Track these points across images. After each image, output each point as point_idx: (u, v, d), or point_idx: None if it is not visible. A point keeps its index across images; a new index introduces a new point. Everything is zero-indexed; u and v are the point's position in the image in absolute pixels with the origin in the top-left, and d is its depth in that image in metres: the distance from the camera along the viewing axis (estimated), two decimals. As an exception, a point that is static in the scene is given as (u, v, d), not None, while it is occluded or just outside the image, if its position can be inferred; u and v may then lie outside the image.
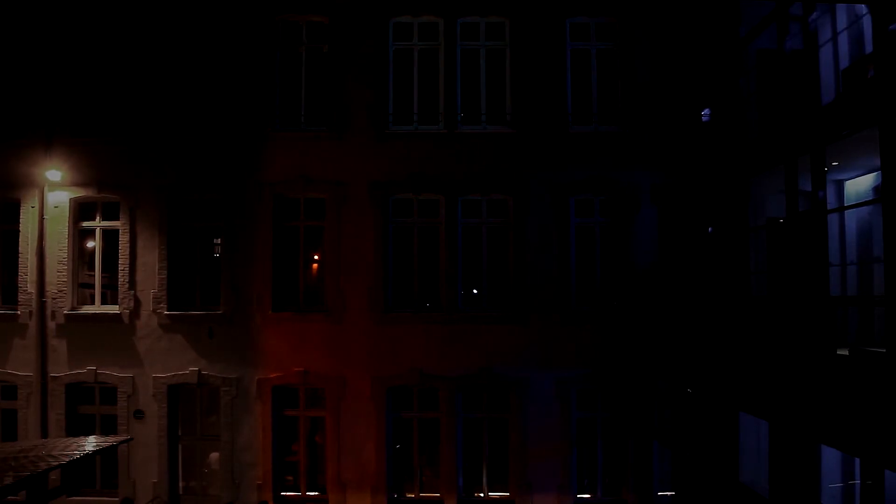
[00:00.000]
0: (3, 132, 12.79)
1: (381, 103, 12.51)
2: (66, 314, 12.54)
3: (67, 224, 12.68)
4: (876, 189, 9.16)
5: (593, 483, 12.47)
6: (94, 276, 12.92)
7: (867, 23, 8.44)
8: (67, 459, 8.54)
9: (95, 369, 12.44)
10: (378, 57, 12.54)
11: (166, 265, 12.53)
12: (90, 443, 9.55)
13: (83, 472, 12.46)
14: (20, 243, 12.68)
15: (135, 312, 12.49)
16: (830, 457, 9.21)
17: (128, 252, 12.55)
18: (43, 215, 12.60)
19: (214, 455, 12.63)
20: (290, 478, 12.66)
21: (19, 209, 12.71)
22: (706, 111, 11.23)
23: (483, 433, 12.53)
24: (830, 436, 7.49)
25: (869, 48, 8.55)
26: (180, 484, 12.68)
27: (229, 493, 12.24)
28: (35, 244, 12.60)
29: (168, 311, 12.45)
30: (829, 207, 8.59)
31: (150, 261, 12.54)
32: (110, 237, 12.83)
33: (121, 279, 12.57)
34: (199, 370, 12.37)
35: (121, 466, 12.41)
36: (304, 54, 12.82)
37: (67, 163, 12.55)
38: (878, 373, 6.61)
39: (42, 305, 12.54)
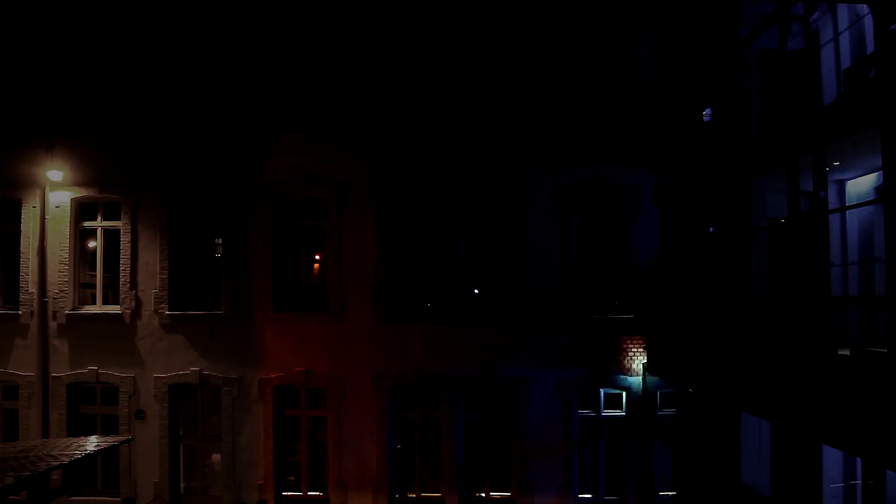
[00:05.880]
0: (5, 132, 12.81)
1: (380, 103, 12.53)
2: (67, 314, 12.55)
3: (69, 224, 12.69)
4: (877, 189, 9.15)
5: (594, 483, 12.47)
6: (95, 276, 12.94)
7: (868, 23, 8.44)
8: (68, 459, 8.53)
9: (97, 369, 12.46)
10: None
11: (167, 265, 12.54)
12: (91, 443, 9.54)
13: (84, 472, 12.49)
14: (21, 243, 12.70)
15: (136, 312, 12.50)
16: (832, 457, 9.20)
17: (129, 252, 12.56)
18: (44, 215, 12.62)
19: (216, 455, 12.64)
20: (292, 478, 12.68)
21: (21, 209, 12.73)
22: (707, 111, 11.22)
23: (484, 433, 12.54)
24: (832, 436, 7.47)
25: (870, 48, 8.55)
26: (182, 484, 12.69)
27: (231, 493, 12.24)
28: (36, 244, 12.61)
29: (169, 311, 12.46)
30: (830, 207, 8.59)
31: (152, 261, 12.55)
32: (111, 237, 12.83)
33: (122, 279, 12.57)
34: (201, 370, 12.38)
35: (122, 466, 12.43)
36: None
37: (69, 163, 12.57)
38: (879, 373, 6.60)
39: (43, 305, 12.56)
